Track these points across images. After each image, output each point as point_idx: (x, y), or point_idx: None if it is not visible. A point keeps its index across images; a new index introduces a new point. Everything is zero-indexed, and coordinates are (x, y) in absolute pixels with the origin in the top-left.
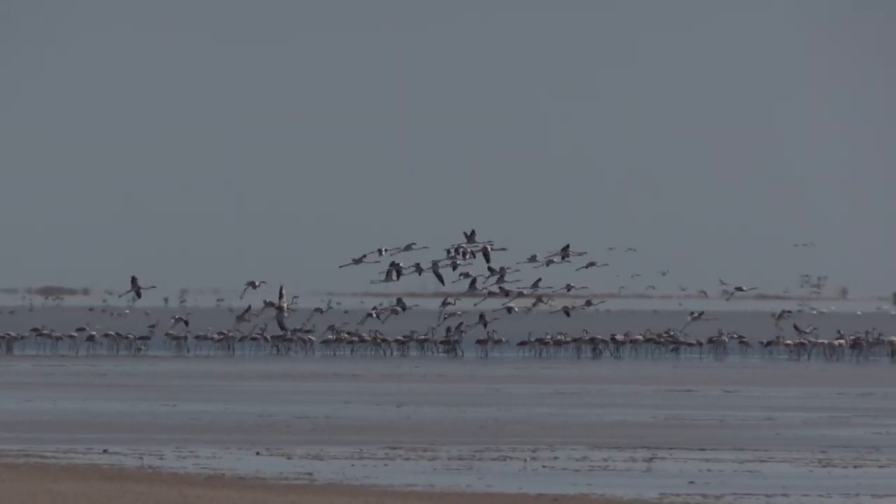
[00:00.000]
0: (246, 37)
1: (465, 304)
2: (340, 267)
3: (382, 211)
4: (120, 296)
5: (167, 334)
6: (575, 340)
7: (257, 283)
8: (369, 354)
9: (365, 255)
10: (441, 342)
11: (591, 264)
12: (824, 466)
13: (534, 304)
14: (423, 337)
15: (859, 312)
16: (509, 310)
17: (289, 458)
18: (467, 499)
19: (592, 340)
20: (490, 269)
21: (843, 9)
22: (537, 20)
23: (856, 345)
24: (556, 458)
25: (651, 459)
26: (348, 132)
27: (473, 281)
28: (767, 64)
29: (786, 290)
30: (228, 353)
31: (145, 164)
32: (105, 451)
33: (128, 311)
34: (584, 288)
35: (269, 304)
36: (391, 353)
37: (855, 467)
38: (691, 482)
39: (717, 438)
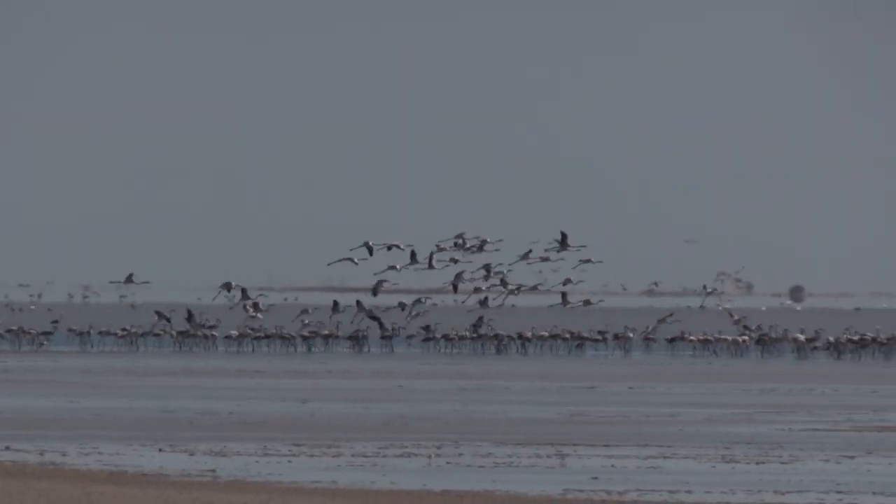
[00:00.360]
0: (238, 35)
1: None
2: (329, 264)
3: (367, 209)
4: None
5: (69, 329)
6: (479, 336)
7: (233, 285)
8: (274, 350)
9: (352, 252)
10: (348, 337)
11: (587, 261)
12: (728, 463)
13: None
14: (327, 332)
15: (764, 308)
16: (483, 302)
17: (192, 454)
18: (371, 496)
19: (496, 336)
20: (487, 267)
21: (843, 6)
22: (531, 16)
23: (760, 341)
24: (460, 454)
25: (564, 456)
26: (335, 128)
27: (460, 274)
28: (761, 60)
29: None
30: (132, 348)
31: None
32: (7, 447)
33: (33, 308)
34: (580, 282)
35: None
36: (296, 349)
37: (758, 464)
38: (595, 478)
39: (621, 435)
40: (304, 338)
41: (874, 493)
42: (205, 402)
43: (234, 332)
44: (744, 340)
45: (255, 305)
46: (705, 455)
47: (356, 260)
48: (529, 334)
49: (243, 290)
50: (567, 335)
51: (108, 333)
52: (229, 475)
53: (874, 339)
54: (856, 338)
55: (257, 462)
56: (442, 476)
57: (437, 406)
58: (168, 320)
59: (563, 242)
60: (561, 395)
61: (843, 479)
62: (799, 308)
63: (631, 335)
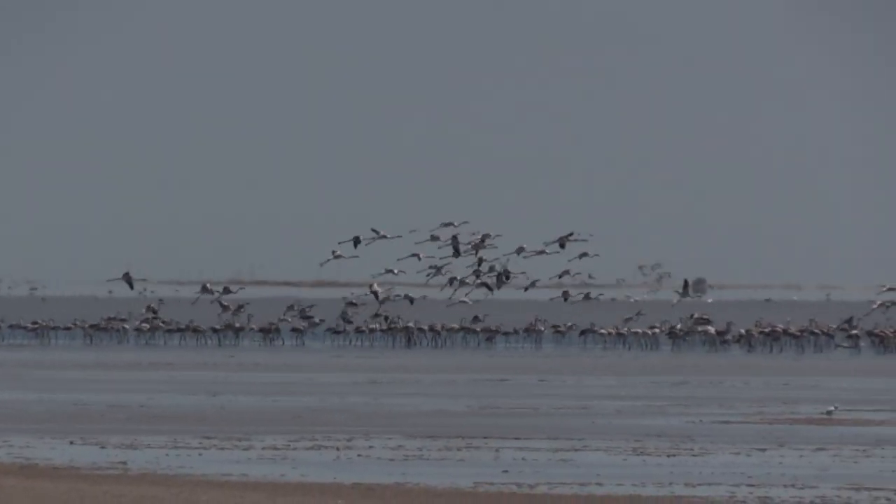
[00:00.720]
0: (221, 39)
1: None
2: (321, 265)
3: (348, 202)
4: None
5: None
6: (390, 329)
7: (234, 290)
8: (185, 343)
9: (336, 252)
10: (259, 330)
11: (584, 254)
12: (638, 455)
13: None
14: (239, 325)
15: (674, 301)
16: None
17: (103, 447)
18: (282, 489)
19: (406, 329)
20: (480, 260)
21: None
22: (519, 3)
23: (672, 333)
24: (371, 447)
25: (475, 448)
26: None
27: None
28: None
29: (621, 280)
30: (42, 341)
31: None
32: None
33: None
34: (578, 274)
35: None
36: (206, 342)
37: (669, 456)
38: (505, 471)
39: (532, 427)
40: (215, 331)
41: (785, 486)
42: (116, 395)
43: (146, 326)
44: (654, 333)
45: (224, 304)
46: (616, 447)
47: (346, 255)
48: (440, 327)
49: (225, 288)
50: (477, 328)
51: (18, 327)
52: (140, 468)
53: (785, 331)
54: (767, 330)
55: (168, 455)
56: (353, 468)
57: (348, 399)
58: (155, 312)
59: (566, 238)
60: (472, 387)
61: (754, 471)
62: (710, 300)
63: (542, 328)
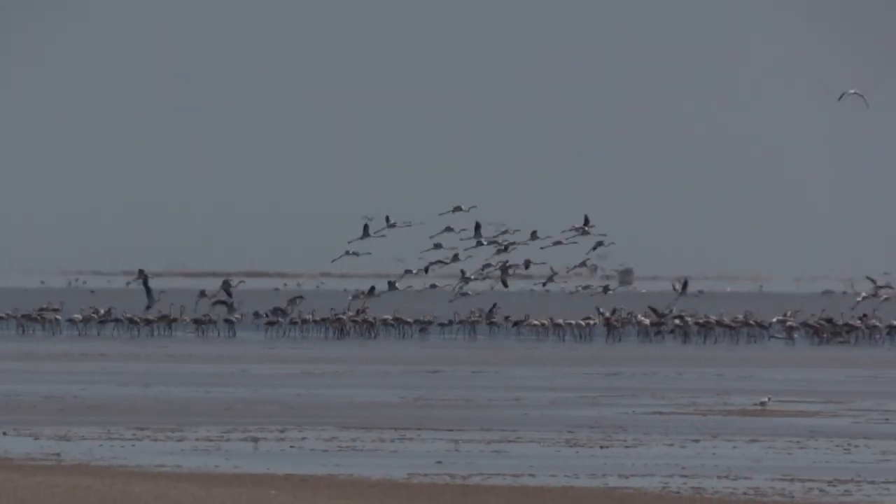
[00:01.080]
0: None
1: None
2: (333, 261)
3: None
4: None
5: None
6: (323, 320)
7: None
8: (117, 334)
9: (350, 251)
10: (193, 320)
11: (599, 244)
12: (571, 447)
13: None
14: (173, 316)
15: (643, 291)
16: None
17: (36, 438)
18: (215, 479)
19: (339, 320)
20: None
21: None
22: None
23: (607, 324)
24: (304, 438)
25: (408, 440)
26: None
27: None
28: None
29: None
30: None
31: None
32: None
33: None
34: (594, 265)
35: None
36: (138, 333)
37: (602, 447)
38: (439, 462)
39: (465, 419)
40: (148, 321)
41: (718, 477)
42: (49, 386)
43: (78, 316)
44: (587, 324)
45: (224, 302)
46: (549, 439)
47: (360, 252)
48: (373, 318)
49: (226, 282)
50: (410, 319)
51: None
52: (74, 459)
53: (719, 322)
54: (701, 321)
55: (101, 446)
56: (286, 460)
57: (281, 390)
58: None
59: (584, 226)
60: (405, 379)
61: (687, 462)
62: (644, 291)
63: (480, 319)
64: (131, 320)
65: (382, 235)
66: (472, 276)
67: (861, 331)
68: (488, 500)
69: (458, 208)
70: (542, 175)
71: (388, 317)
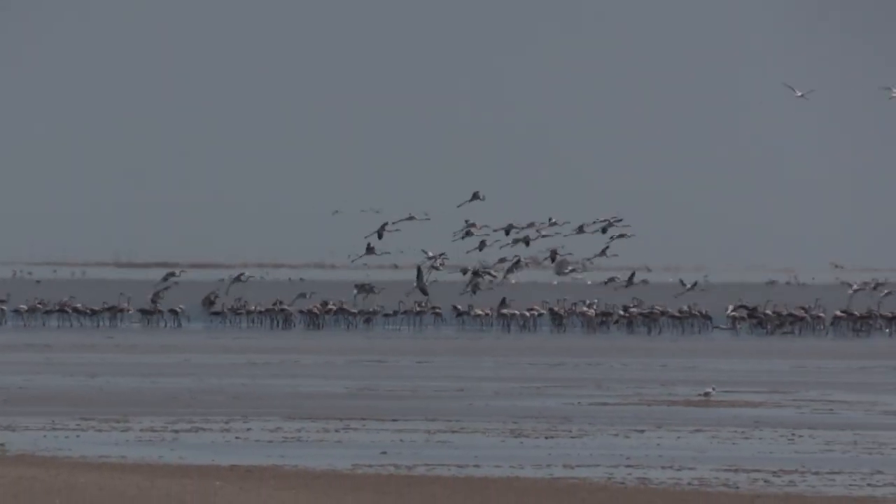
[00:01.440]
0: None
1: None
2: (353, 260)
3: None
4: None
5: None
6: (267, 311)
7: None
8: (63, 324)
9: (371, 246)
10: (139, 310)
11: (622, 235)
12: (516, 437)
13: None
14: (119, 307)
15: (555, 282)
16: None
17: None
18: (160, 470)
19: (283, 311)
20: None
21: None
22: None
23: (554, 314)
24: (249, 429)
25: (352, 430)
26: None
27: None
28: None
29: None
30: None
31: None
32: None
33: None
34: (615, 255)
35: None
36: (79, 324)
37: (547, 438)
38: (384, 452)
39: (410, 409)
40: (94, 312)
41: (663, 467)
42: None
43: (23, 307)
44: (532, 314)
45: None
46: (494, 429)
47: (378, 252)
48: (317, 309)
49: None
50: (355, 310)
51: None
52: (18, 449)
53: (663, 313)
54: (646, 311)
55: (46, 436)
56: (230, 450)
57: (226, 380)
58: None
59: (610, 222)
60: (350, 369)
61: (632, 452)
62: (589, 282)
63: (425, 310)
64: (77, 310)
65: (397, 230)
66: (491, 273)
67: (806, 321)
68: (433, 490)
69: (475, 196)
70: (542, 172)
71: (333, 307)
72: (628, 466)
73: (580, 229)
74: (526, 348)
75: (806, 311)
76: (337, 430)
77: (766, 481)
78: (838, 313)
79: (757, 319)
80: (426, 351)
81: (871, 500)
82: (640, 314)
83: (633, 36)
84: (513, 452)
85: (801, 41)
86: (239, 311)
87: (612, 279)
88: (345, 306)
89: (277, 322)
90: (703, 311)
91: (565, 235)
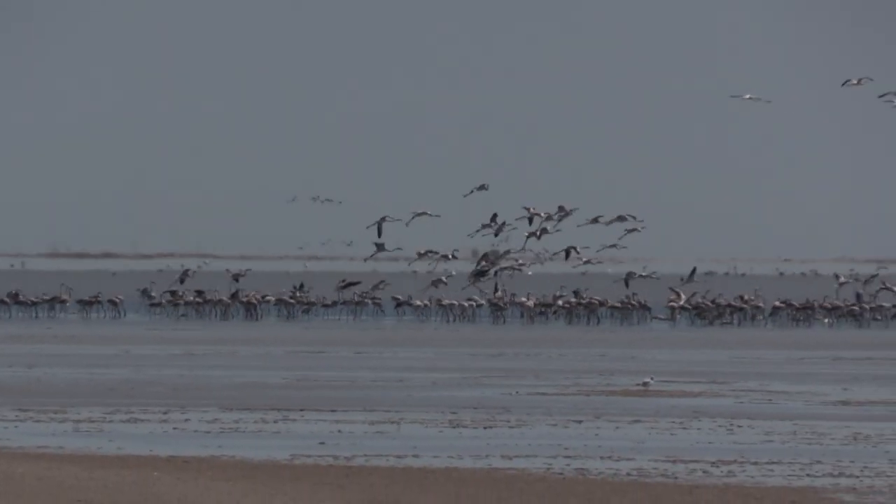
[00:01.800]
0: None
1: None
2: (365, 260)
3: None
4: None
5: None
6: (206, 301)
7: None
8: (0, 315)
9: (382, 244)
10: (78, 301)
11: (633, 230)
12: (455, 427)
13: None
14: (60, 298)
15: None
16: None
17: None
18: (98, 461)
19: (221, 302)
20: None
21: None
22: None
23: (493, 305)
24: (187, 420)
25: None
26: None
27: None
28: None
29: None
30: None
31: None
32: None
33: None
34: (624, 248)
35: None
36: (21, 315)
37: (485, 428)
38: (322, 443)
39: (348, 399)
40: (33, 303)
41: (602, 458)
42: None
43: None
44: (471, 305)
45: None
46: (433, 420)
47: (390, 249)
48: (255, 299)
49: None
50: (292, 300)
51: None
52: None
53: (601, 303)
54: (584, 301)
55: None
56: (168, 441)
57: (164, 371)
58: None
59: (628, 216)
60: (289, 359)
61: (570, 443)
62: (530, 273)
63: (368, 301)
64: (17, 301)
65: (404, 222)
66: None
67: (746, 312)
68: (371, 481)
69: (482, 187)
70: (531, 163)
71: (272, 298)
72: (567, 457)
73: (595, 220)
74: (465, 339)
75: (745, 301)
76: (275, 421)
77: (704, 472)
78: (777, 303)
79: (697, 310)
80: (365, 341)
81: (811, 491)
82: (580, 304)
83: (633, 35)
84: (451, 443)
85: (801, 41)
86: (177, 303)
87: (630, 273)
88: (283, 297)
89: (216, 312)
90: (643, 302)
91: (578, 226)
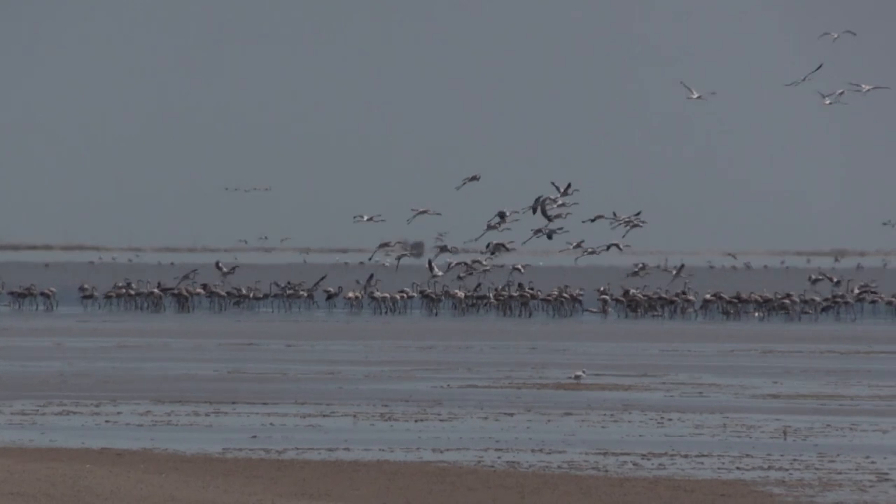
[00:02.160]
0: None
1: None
2: (370, 259)
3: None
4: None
5: None
6: (139, 294)
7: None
8: None
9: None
10: (10, 293)
11: (635, 226)
12: (386, 420)
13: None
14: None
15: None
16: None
17: None
18: (30, 454)
19: (152, 294)
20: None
21: None
22: None
23: (425, 296)
24: (119, 412)
25: (222, 414)
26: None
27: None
28: None
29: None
30: None
31: None
32: None
33: None
34: (627, 246)
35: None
36: None
37: (416, 421)
38: (254, 436)
39: (280, 392)
40: None
41: (533, 451)
42: None
43: None
44: (402, 297)
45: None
46: (364, 413)
47: (393, 244)
48: (186, 292)
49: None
50: (224, 293)
51: None
52: None
53: (533, 296)
54: (517, 294)
55: None
56: (100, 434)
57: (96, 364)
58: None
59: (635, 216)
60: (220, 352)
61: (501, 436)
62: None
63: (304, 293)
64: None
65: (382, 220)
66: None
67: (677, 304)
68: (303, 474)
69: (474, 178)
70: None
71: (202, 290)
72: (498, 450)
73: (595, 219)
74: (396, 331)
75: (678, 294)
76: (207, 414)
77: (635, 464)
78: (708, 296)
79: (629, 303)
80: (296, 334)
81: (741, 484)
82: (511, 297)
83: (632, 35)
84: (382, 436)
85: (800, 39)
86: (109, 295)
87: (642, 266)
88: (213, 289)
89: (147, 305)
90: (574, 294)
91: (583, 222)
